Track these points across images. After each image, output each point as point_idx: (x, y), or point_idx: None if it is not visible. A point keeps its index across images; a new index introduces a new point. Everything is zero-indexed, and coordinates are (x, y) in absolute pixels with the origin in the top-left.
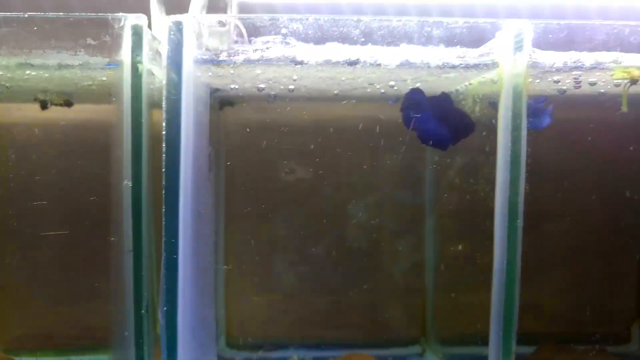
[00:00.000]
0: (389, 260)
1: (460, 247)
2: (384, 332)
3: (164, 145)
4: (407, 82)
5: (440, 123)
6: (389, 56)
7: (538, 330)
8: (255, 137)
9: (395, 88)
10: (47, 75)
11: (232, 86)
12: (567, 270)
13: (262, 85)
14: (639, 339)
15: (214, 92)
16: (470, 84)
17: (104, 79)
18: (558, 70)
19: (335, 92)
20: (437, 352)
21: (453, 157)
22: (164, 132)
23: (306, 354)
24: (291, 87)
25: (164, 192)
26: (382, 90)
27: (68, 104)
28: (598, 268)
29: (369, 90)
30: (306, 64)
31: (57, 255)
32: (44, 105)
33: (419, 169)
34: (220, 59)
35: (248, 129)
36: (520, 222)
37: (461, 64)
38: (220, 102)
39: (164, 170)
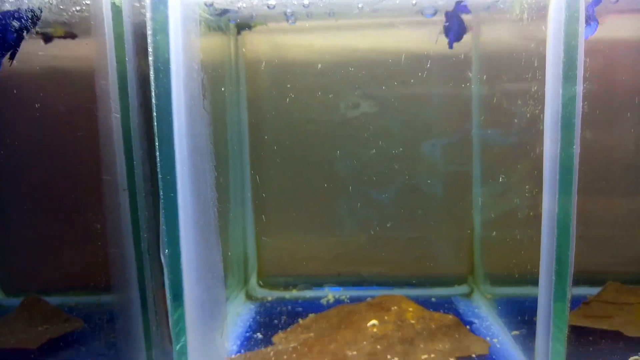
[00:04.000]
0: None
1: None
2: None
3: (151, 69)
4: None
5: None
6: None
7: (605, 270)
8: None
9: None
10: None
11: (239, 4)
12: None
13: (272, 2)
14: None
15: (222, 13)
16: None
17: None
18: None
19: (359, 5)
20: (485, 293)
21: (498, 79)
22: (150, 57)
23: (342, 293)
24: (305, 1)
25: (155, 122)
26: (413, 1)
27: (71, 35)
28: None
29: (397, 1)
30: None
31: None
32: (47, 38)
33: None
34: None
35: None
36: (576, 148)
37: None
38: (237, 26)
39: (154, 99)
